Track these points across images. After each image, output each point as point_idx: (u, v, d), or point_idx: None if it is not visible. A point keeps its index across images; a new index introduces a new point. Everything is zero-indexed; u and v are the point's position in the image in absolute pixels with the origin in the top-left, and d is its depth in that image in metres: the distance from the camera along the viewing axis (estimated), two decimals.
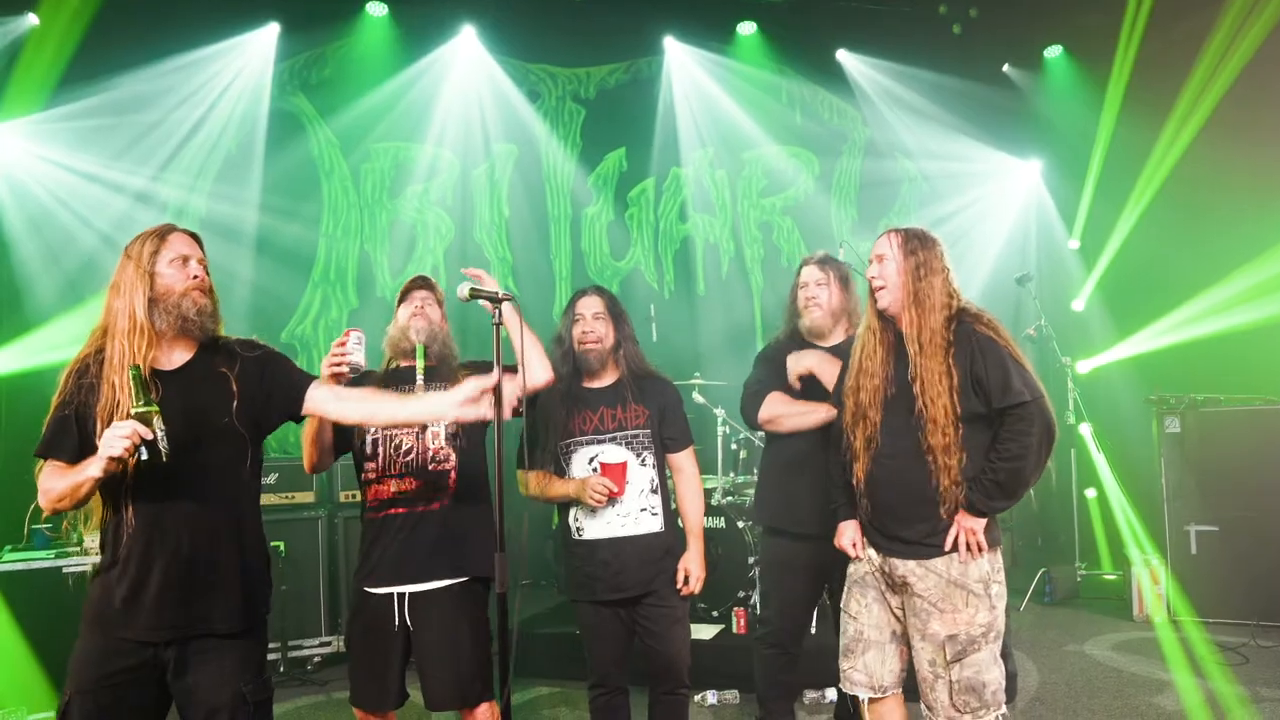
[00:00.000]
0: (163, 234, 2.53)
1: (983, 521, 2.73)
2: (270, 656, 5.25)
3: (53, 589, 4.84)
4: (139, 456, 2.22)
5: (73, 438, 2.40)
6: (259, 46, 7.24)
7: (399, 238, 7.79)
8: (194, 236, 2.59)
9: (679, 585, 3.34)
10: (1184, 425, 5.90)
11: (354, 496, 5.74)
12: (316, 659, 5.54)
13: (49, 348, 6.01)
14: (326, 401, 2.64)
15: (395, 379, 3.15)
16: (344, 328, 7.45)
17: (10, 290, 6.34)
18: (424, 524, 3.01)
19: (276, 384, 2.61)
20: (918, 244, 2.84)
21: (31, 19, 6.62)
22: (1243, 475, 5.67)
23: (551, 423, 3.36)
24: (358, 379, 2.98)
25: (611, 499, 3.27)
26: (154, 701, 2.45)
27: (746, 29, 8.22)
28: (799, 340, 3.68)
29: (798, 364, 3.54)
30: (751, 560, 5.17)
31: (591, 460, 3.36)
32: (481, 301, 2.67)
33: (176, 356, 2.51)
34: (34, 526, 5.17)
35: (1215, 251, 6.84)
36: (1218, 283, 6.78)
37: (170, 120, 6.88)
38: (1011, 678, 4.50)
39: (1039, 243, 8.64)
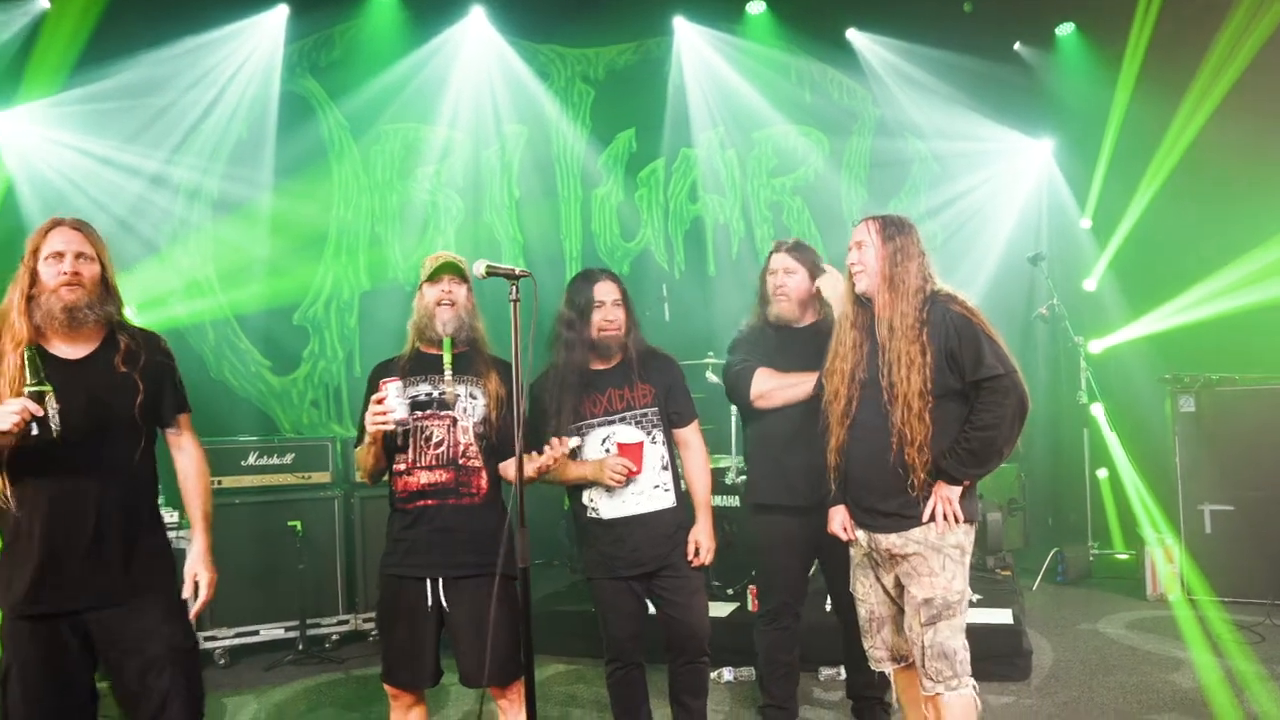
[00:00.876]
0: (46, 230, 2.64)
1: (958, 490, 2.85)
2: (289, 635, 5.38)
3: None
4: (30, 432, 2.35)
5: None
6: (268, 29, 7.23)
7: (410, 219, 7.81)
8: (81, 229, 2.67)
9: (690, 557, 3.39)
10: (1199, 404, 5.88)
11: None
12: (334, 637, 5.59)
13: None
14: (171, 444, 2.88)
15: (422, 367, 3.11)
16: (355, 310, 7.63)
17: None
18: (455, 518, 3.02)
19: (164, 396, 2.81)
20: (895, 230, 2.97)
21: (43, 3, 6.63)
22: (1258, 454, 5.65)
23: (563, 406, 3.36)
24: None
25: (629, 478, 3.31)
26: (81, 664, 2.60)
27: (756, 8, 8.18)
28: (769, 326, 3.68)
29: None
30: None
31: (604, 441, 3.39)
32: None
33: (79, 347, 2.65)
34: None
35: (1230, 230, 6.81)
36: (1233, 261, 6.75)
37: (183, 103, 6.88)
38: (1027, 655, 4.53)
39: (1050, 222, 8.59)
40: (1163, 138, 7.34)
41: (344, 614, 5.65)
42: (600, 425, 3.40)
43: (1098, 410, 7.03)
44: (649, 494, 3.38)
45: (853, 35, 8.30)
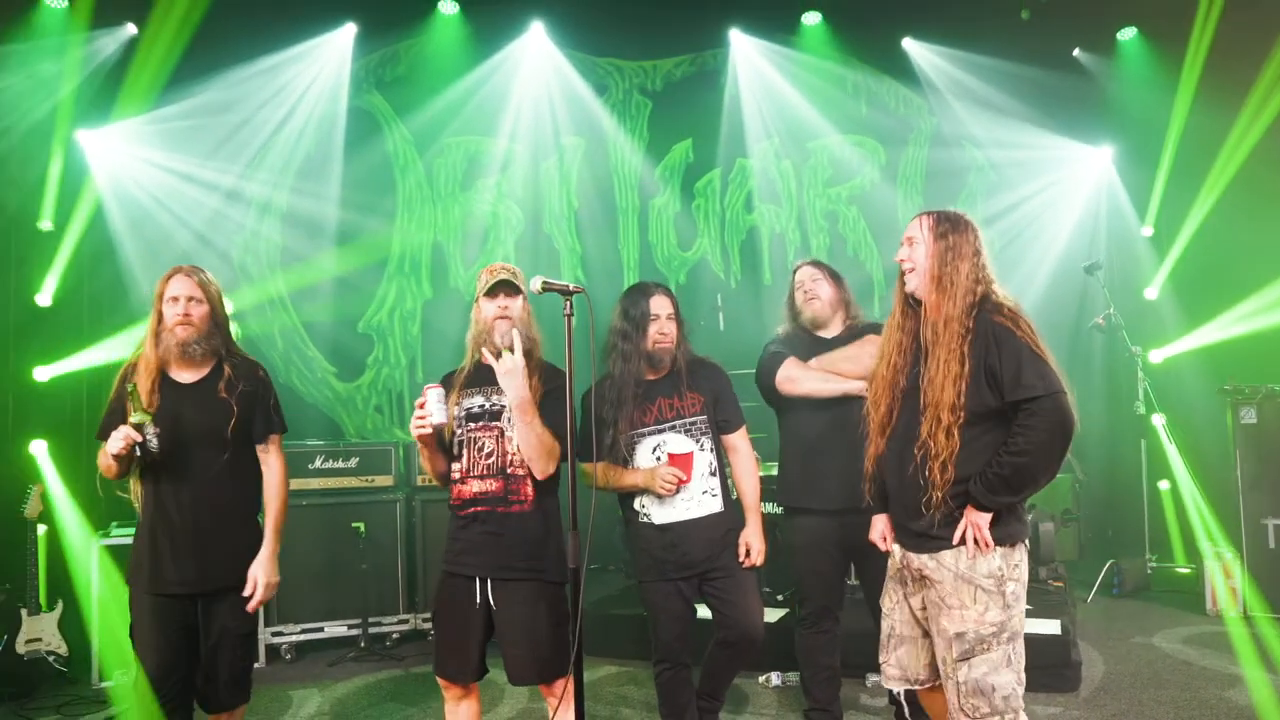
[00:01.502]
0: (168, 276, 3.21)
1: (988, 516, 2.63)
2: (351, 632, 5.59)
3: None
4: (135, 453, 2.95)
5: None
6: (337, 47, 7.52)
7: (471, 230, 8.01)
8: (194, 275, 3.22)
9: (741, 558, 3.52)
10: (1260, 416, 5.80)
11: (429, 480, 5.95)
12: (395, 635, 5.79)
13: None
14: (261, 459, 3.36)
15: (480, 379, 3.26)
16: (418, 318, 7.85)
17: (118, 288, 6.77)
18: (505, 524, 3.15)
19: (256, 418, 3.29)
20: (949, 227, 2.77)
21: (130, 29, 7.00)
22: None
23: (620, 417, 3.51)
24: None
25: (680, 486, 3.46)
26: (183, 632, 3.15)
27: (811, 19, 8.22)
28: (802, 332, 3.86)
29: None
30: None
31: (655, 449, 3.53)
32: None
33: (192, 373, 3.22)
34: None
35: None
36: None
37: (256, 120, 7.22)
38: (1076, 666, 4.53)
39: (1110, 230, 8.47)
40: (1223, 143, 7.25)
41: (404, 613, 5.84)
42: (651, 434, 3.54)
43: (1158, 421, 6.94)
44: (698, 499, 3.52)
45: (909, 45, 8.31)
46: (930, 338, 2.72)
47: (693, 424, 3.55)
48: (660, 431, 3.54)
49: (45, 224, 6.83)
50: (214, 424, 3.16)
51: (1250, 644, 5.20)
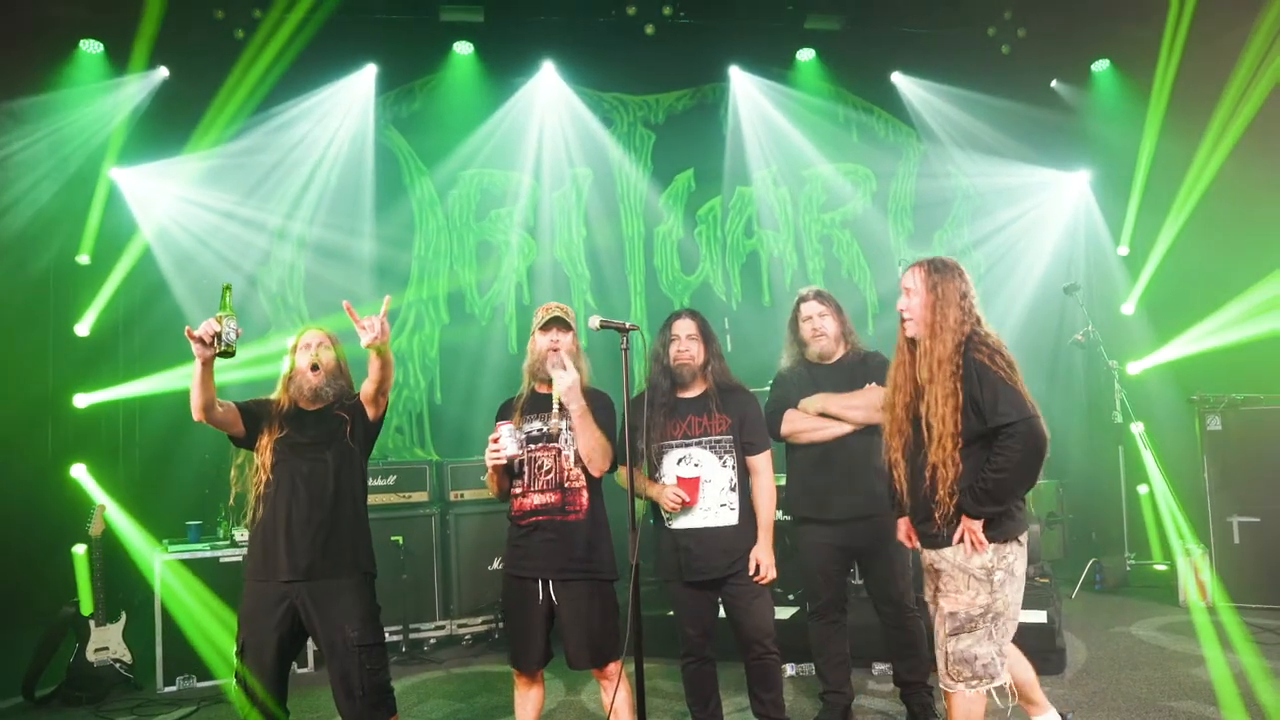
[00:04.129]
0: (301, 332, 3.70)
1: (979, 522, 3.10)
2: (393, 638, 5.98)
3: (209, 575, 5.62)
4: (215, 347, 3.22)
5: (249, 414, 3.58)
6: (360, 87, 8.00)
7: (485, 257, 8.46)
8: (325, 332, 3.70)
9: (750, 573, 3.86)
10: (1225, 423, 6.32)
11: (462, 496, 6.42)
12: (432, 640, 6.20)
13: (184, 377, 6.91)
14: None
15: (536, 406, 3.71)
16: (436, 342, 8.29)
17: (177, 324, 7.24)
18: (563, 533, 3.60)
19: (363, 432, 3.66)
20: (939, 277, 3.22)
21: (163, 72, 7.44)
22: None
23: (652, 428, 3.89)
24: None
25: (685, 507, 3.82)
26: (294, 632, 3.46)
27: (805, 55, 8.72)
28: (806, 365, 4.28)
29: (809, 406, 4.17)
30: None
31: (680, 461, 3.91)
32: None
33: (316, 403, 3.61)
34: (187, 523, 5.94)
35: (1252, 257, 7.21)
36: (1253, 287, 7.16)
37: (289, 160, 7.72)
38: (1061, 651, 5.02)
39: (1088, 251, 9.01)
40: (1188, 170, 7.75)
41: (440, 619, 6.26)
42: (678, 447, 3.92)
43: (1137, 429, 7.42)
44: (715, 511, 3.86)
45: (898, 79, 8.83)
46: (926, 377, 3.17)
47: (718, 442, 3.89)
48: (688, 446, 3.90)
49: (83, 258, 7.27)
50: (333, 436, 3.54)
51: (1213, 630, 5.70)
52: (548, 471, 3.65)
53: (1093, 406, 8.47)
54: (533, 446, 3.67)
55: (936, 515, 3.15)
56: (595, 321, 3.22)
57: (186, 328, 3.21)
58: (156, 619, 5.50)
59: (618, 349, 3.28)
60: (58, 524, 6.65)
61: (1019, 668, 3.55)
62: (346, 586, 3.45)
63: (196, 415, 3.40)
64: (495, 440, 3.53)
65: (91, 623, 5.40)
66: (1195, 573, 6.33)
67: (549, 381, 3.63)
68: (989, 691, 3.18)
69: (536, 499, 3.64)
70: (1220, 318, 7.37)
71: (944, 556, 3.20)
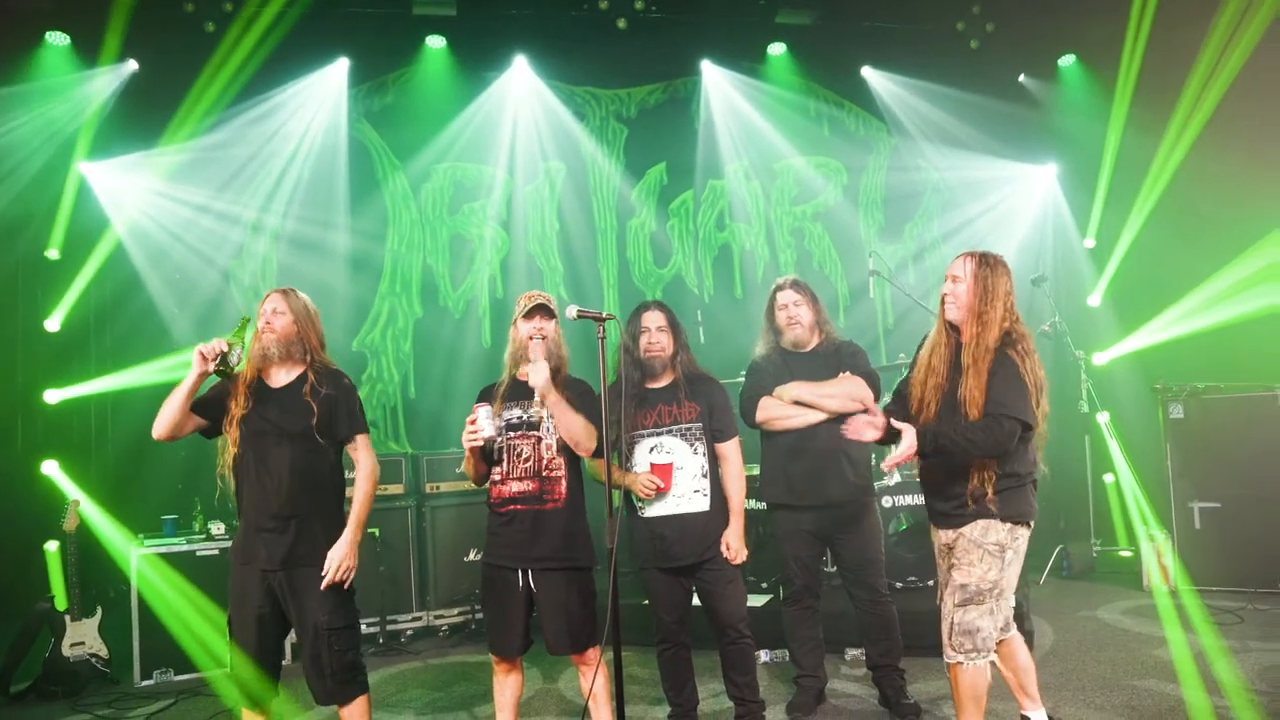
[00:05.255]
0: (266, 295, 3.65)
1: (913, 447, 3.30)
2: (370, 630, 6.01)
3: (186, 568, 5.62)
4: (218, 364, 3.33)
5: (205, 404, 3.55)
6: (333, 81, 7.97)
7: (459, 251, 8.46)
8: (285, 292, 3.61)
9: (723, 553, 3.94)
10: (1187, 411, 6.48)
11: (438, 488, 6.44)
12: (409, 632, 6.24)
13: (169, 370, 6.90)
14: (351, 455, 3.65)
15: (517, 393, 3.74)
16: (409, 335, 8.29)
17: (151, 319, 7.29)
18: (541, 520, 3.65)
19: (338, 419, 3.57)
20: (988, 270, 3.38)
21: (132, 65, 7.38)
22: (1241, 455, 6.26)
23: (622, 419, 3.92)
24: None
25: (659, 493, 3.90)
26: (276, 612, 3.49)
27: (777, 49, 8.77)
28: (781, 353, 4.37)
29: (785, 394, 4.24)
30: None
31: (652, 449, 3.97)
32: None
33: (282, 376, 3.57)
34: (163, 517, 5.94)
35: (1213, 248, 7.38)
36: (1212, 277, 7.34)
37: (263, 153, 7.71)
38: (1029, 634, 5.14)
39: (1056, 243, 9.15)
40: (1152, 163, 7.91)
41: (417, 611, 6.31)
42: (650, 436, 3.99)
43: (1103, 419, 7.57)
44: (688, 497, 3.94)
45: (868, 73, 8.91)
46: (969, 361, 3.33)
47: (688, 429, 3.97)
48: (659, 434, 3.97)
49: (52, 253, 7.21)
50: (298, 422, 3.46)
51: (1175, 613, 5.86)
52: (526, 459, 3.69)
53: (1059, 396, 8.54)
54: (512, 434, 3.70)
55: (970, 489, 3.32)
56: (573, 311, 3.26)
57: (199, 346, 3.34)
58: (133, 613, 5.49)
59: (593, 339, 3.33)
60: (30, 521, 6.62)
61: (1021, 655, 3.68)
62: (322, 575, 3.44)
63: (162, 433, 3.42)
64: (472, 422, 3.54)
65: (67, 618, 5.40)
66: (1158, 557, 6.48)
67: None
68: (989, 667, 3.33)
69: (515, 486, 3.68)
70: (1182, 306, 7.53)
71: (961, 533, 3.37)
